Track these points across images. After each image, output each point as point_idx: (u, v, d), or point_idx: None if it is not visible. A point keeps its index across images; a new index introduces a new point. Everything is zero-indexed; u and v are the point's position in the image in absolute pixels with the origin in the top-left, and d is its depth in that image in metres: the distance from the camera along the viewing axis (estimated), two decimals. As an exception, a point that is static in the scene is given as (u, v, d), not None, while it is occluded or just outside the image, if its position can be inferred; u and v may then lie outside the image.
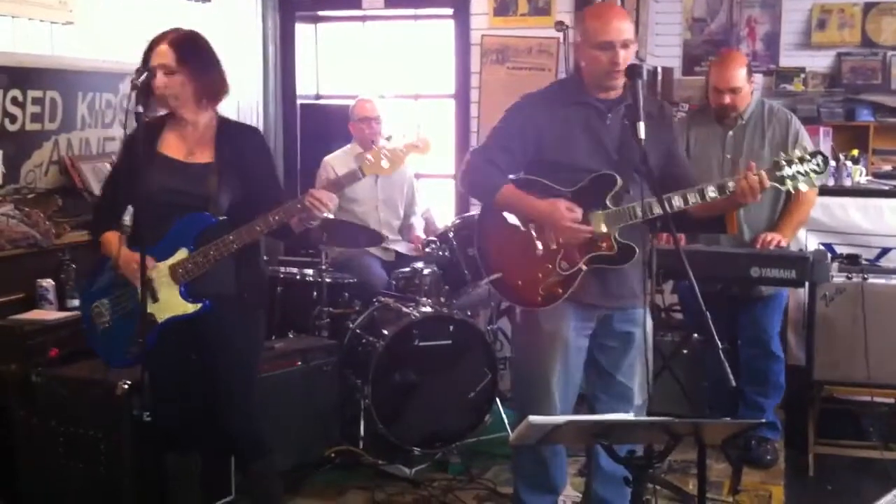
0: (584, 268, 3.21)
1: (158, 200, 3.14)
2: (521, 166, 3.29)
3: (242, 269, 3.26)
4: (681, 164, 3.41)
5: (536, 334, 3.32)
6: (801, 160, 3.10)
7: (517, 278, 3.30)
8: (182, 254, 3.18)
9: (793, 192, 3.24)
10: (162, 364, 3.23)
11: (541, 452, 3.36)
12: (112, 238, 3.21)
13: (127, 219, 3.07)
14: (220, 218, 3.18)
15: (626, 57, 3.14)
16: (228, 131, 3.31)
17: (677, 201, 3.11)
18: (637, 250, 3.19)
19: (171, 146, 3.27)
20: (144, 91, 3.11)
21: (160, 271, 3.19)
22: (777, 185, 3.12)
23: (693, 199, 3.11)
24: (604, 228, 3.18)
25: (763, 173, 3.07)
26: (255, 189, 3.25)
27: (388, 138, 3.24)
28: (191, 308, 3.20)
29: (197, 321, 3.22)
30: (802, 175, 3.10)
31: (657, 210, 3.09)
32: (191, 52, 3.21)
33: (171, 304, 3.20)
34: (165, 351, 3.23)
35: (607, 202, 3.18)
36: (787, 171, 3.10)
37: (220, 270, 3.19)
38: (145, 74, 3.15)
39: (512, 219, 3.31)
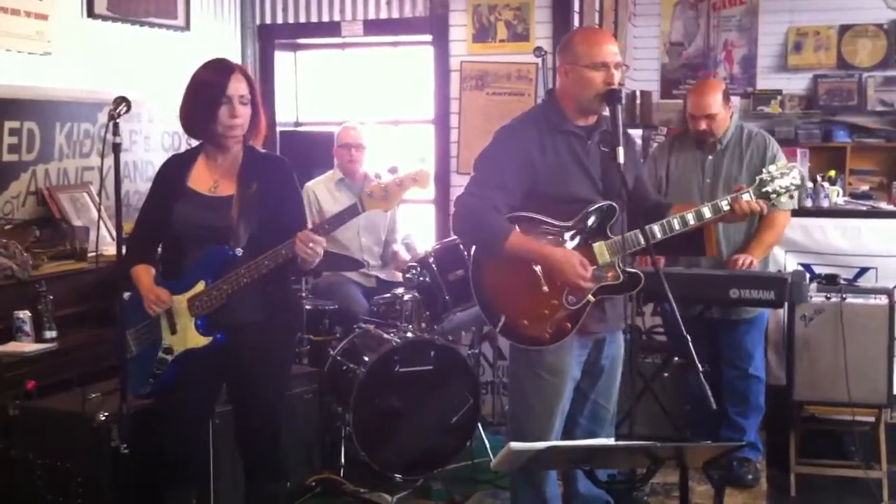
0: (593, 299, 3.15)
1: (182, 234, 3.21)
2: (517, 202, 3.16)
3: (269, 299, 3.25)
4: (644, 184, 3.48)
5: (539, 366, 3.22)
6: (782, 175, 3.21)
7: (522, 318, 3.18)
8: (200, 286, 3.19)
9: (777, 207, 3.31)
10: (181, 395, 3.27)
11: (539, 487, 3.32)
12: (140, 272, 3.28)
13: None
14: (238, 251, 3.16)
15: (618, 79, 3.14)
16: (253, 161, 3.29)
17: (677, 224, 3.15)
18: (643, 276, 3.16)
19: (198, 179, 3.27)
20: (204, 120, 3.17)
21: (179, 303, 3.21)
22: (765, 200, 3.21)
23: (692, 220, 3.16)
24: (608, 258, 3.15)
25: (762, 203, 3.17)
26: (278, 219, 3.21)
27: (392, 170, 3.18)
28: (203, 341, 3.21)
29: (217, 350, 3.22)
30: (783, 190, 3.22)
31: (659, 235, 3.11)
32: (253, 85, 3.25)
33: (187, 336, 3.22)
34: (188, 381, 3.26)
35: (608, 232, 3.16)
36: (771, 187, 3.20)
37: (243, 301, 3.19)
38: (123, 104, 3.16)
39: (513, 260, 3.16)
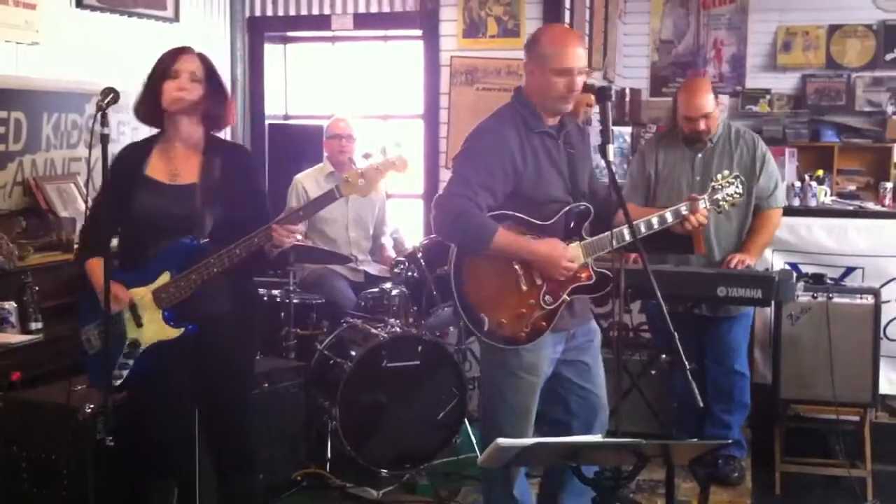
0: (568, 299, 3.21)
1: (144, 224, 3.15)
2: (498, 203, 3.15)
3: (236, 289, 3.25)
4: (594, 180, 3.54)
5: (515, 364, 3.23)
6: (728, 184, 3.39)
7: (501, 317, 3.19)
8: (165, 278, 3.15)
9: (720, 212, 3.49)
10: (153, 388, 3.23)
11: (511, 489, 3.33)
12: (96, 266, 3.18)
13: (114, 242, 3.14)
14: (204, 241, 3.14)
15: (580, 83, 3.17)
16: (215, 150, 3.27)
17: (644, 227, 3.21)
18: (611, 276, 3.23)
19: (157, 168, 3.23)
20: (151, 97, 3.15)
21: (143, 296, 3.16)
22: (714, 208, 3.39)
23: (657, 223, 3.24)
24: (584, 259, 3.20)
25: (703, 212, 3.32)
26: (242, 209, 3.21)
27: (367, 156, 3.19)
28: (173, 332, 3.16)
29: (188, 342, 3.19)
30: (730, 198, 3.41)
31: (628, 237, 3.14)
32: (214, 71, 3.25)
33: (154, 328, 3.17)
34: (155, 375, 3.21)
35: (583, 233, 3.21)
36: (720, 195, 3.37)
37: (209, 292, 3.16)
38: (111, 95, 3.10)
39: (493, 260, 3.18)
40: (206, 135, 3.28)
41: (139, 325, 3.18)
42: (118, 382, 3.23)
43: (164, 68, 3.18)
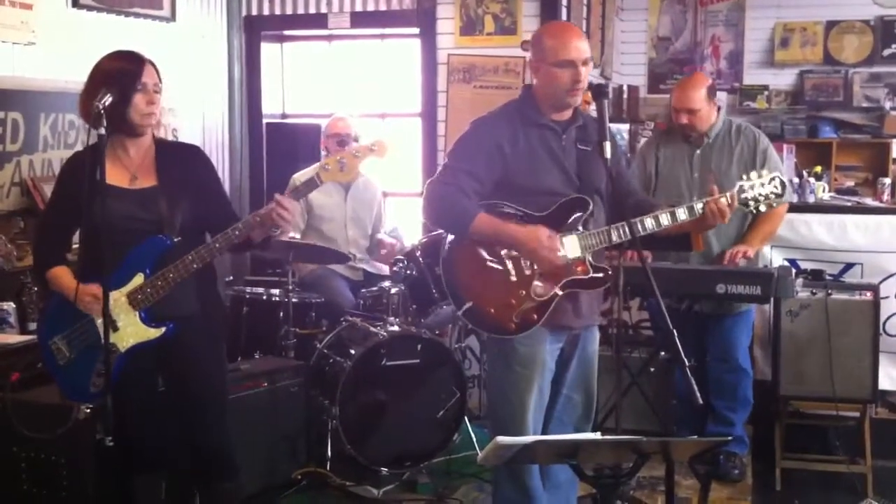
0: (560, 293, 3.18)
1: (111, 230, 3.03)
2: (487, 190, 3.20)
3: (203, 289, 3.26)
4: (626, 180, 3.48)
5: (512, 358, 3.25)
6: (762, 184, 3.20)
7: (489, 306, 3.21)
8: (139, 279, 3.12)
9: (754, 212, 3.32)
10: (130, 391, 3.18)
11: (522, 480, 3.32)
12: (62, 273, 3.19)
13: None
14: (176, 239, 3.14)
15: (585, 75, 3.16)
16: (169, 152, 3.29)
17: (650, 223, 3.15)
18: (610, 273, 3.20)
19: (114, 174, 3.14)
20: (120, 107, 3.06)
21: (117, 299, 3.11)
22: (743, 207, 3.22)
23: (665, 220, 3.16)
24: (578, 252, 3.17)
25: (732, 196, 3.15)
26: (206, 206, 3.23)
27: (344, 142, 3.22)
28: (154, 333, 3.15)
29: (162, 344, 3.17)
30: (762, 198, 3.21)
31: (630, 233, 3.08)
32: (161, 80, 3.23)
33: (132, 331, 3.14)
34: (132, 378, 3.18)
35: (580, 226, 3.18)
36: (751, 194, 3.20)
37: (181, 292, 3.15)
38: (108, 97, 3.04)
39: (483, 247, 3.21)
40: (154, 137, 3.29)
41: (115, 329, 3.12)
42: (95, 391, 3.16)
43: (133, 79, 3.11)
